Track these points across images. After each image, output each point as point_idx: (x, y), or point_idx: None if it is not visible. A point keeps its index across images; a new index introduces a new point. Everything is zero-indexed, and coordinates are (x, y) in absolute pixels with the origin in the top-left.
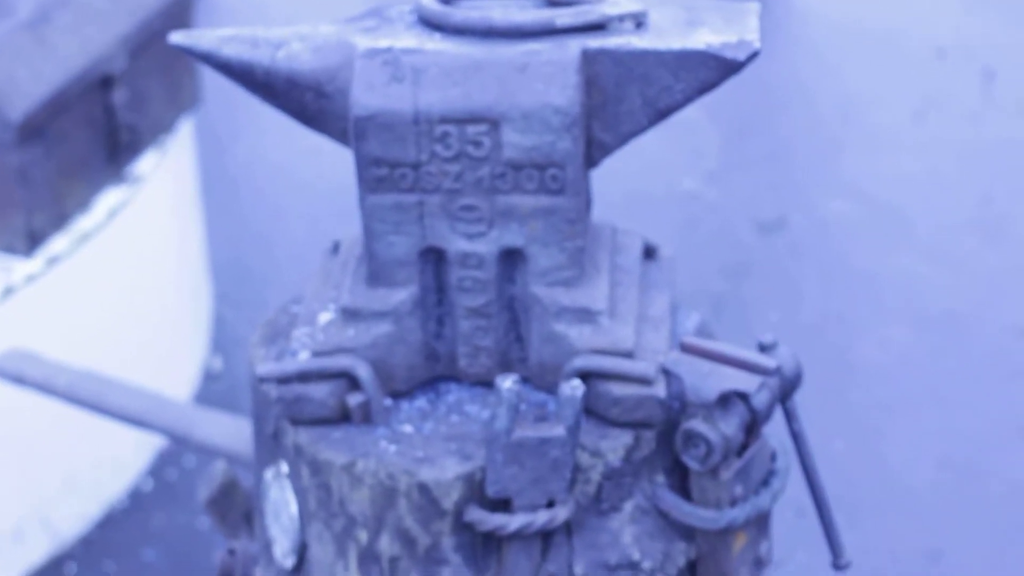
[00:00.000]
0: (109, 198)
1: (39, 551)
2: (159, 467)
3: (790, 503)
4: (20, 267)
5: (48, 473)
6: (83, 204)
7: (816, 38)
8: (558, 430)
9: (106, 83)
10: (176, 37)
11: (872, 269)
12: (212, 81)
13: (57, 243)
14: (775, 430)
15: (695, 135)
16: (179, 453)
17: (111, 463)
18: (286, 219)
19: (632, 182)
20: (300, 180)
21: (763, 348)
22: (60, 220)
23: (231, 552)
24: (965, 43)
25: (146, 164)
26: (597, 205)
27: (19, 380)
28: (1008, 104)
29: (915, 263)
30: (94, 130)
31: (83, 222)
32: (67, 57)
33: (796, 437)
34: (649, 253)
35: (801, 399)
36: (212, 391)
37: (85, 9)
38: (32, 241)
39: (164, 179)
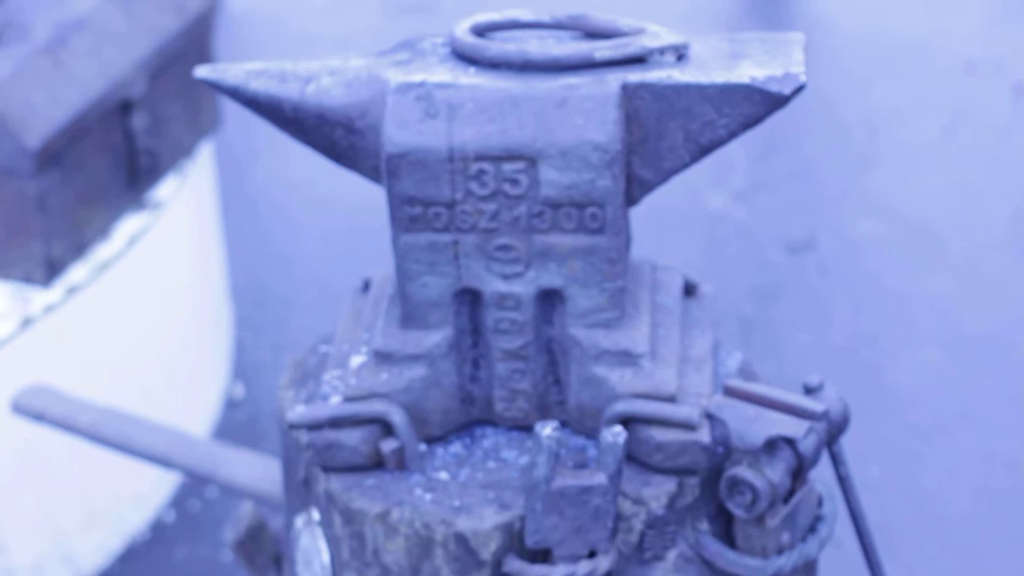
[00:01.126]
0: (129, 225)
1: None
2: (181, 498)
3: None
4: (38, 297)
5: (68, 506)
6: (102, 231)
7: (843, 52)
8: (599, 478)
9: (125, 108)
10: (202, 72)
11: (903, 289)
12: (231, 103)
13: (76, 272)
14: (820, 473)
15: (721, 153)
16: (201, 485)
17: (132, 495)
18: (306, 241)
19: (659, 202)
20: (320, 201)
21: (808, 391)
22: (79, 248)
23: None
24: (994, 57)
25: (166, 190)
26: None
27: (40, 418)
28: None
29: (947, 283)
30: (113, 156)
31: (102, 250)
32: (86, 82)
33: (843, 481)
34: (689, 290)
35: None
36: (233, 418)
37: (103, 32)
38: (51, 270)
39: (184, 204)
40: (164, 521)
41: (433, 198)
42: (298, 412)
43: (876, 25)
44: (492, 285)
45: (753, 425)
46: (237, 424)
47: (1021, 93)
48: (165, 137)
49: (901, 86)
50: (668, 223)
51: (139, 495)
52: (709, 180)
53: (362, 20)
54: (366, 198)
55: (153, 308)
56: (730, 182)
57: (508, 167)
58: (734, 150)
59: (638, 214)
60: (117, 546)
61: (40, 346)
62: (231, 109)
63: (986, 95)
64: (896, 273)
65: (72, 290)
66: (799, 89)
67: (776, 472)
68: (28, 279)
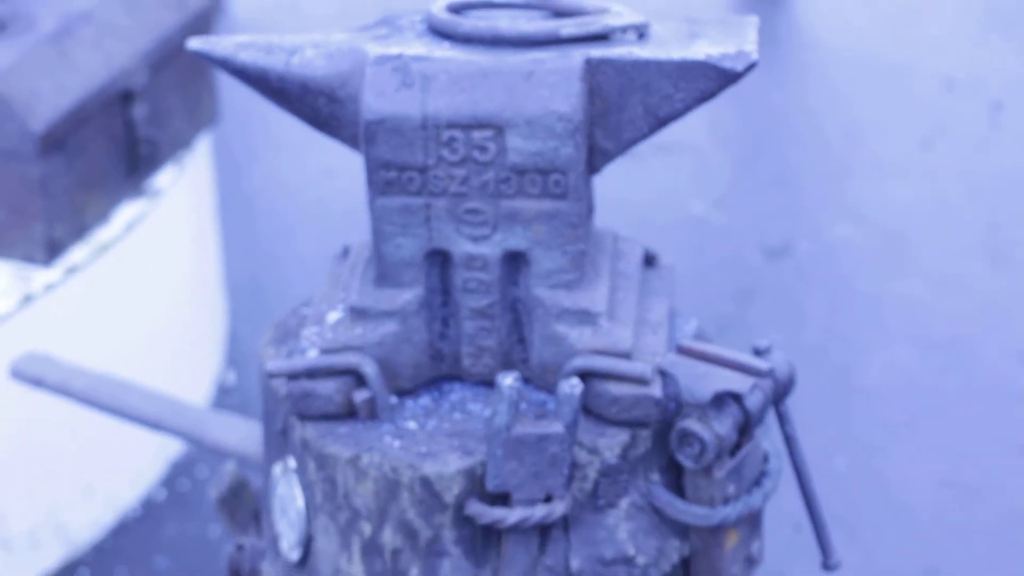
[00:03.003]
0: (128, 211)
1: (53, 557)
2: (172, 478)
3: (787, 518)
4: (39, 276)
5: (64, 481)
6: (102, 216)
7: (826, 69)
8: (556, 427)
9: (126, 98)
10: (194, 43)
11: (876, 293)
12: (228, 102)
13: (76, 254)
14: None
15: (704, 161)
16: (191, 464)
17: (126, 473)
18: (298, 239)
19: (641, 207)
20: (312, 201)
21: (757, 352)
22: (79, 231)
23: (239, 548)
24: (974, 75)
25: (164, 179)
26: (606, 228)
27: (37, 383)
28: (1015, 135)
29: (919, 288)
30: (114, 143)
31: (102, 233)
32: (89, 71)
33: (789, 440)
34: (649, 261)
35: (803, 418)
36: (225, 404)
37: (107, 25)
38: (51, 251)
39: (182, 194)
40: (155, 499)
41: (407, 163)
42: (277, 363)
43: (860, 45)
44: (461, 247)
45: (702, 381)
46: (229, 409)
47: (998, 109)
48: (164, 127)
49: (882, 101)
50: (651, 227)
51: (132, 473)
52: (691, 187)
53: (355, 20)
54: (357, 200)
55: (150, 292)
56: (712, 189)
57: (477, 135)
58: (717, 159)
59: (623, 219)
60: (109, 521)
61: (39, 323)
62: (228, 110)
63: (964, 111)
64: (869, 278)
65: (71, 270)
66: (751, 66)
67: (723, 426)
68: (29, 259)
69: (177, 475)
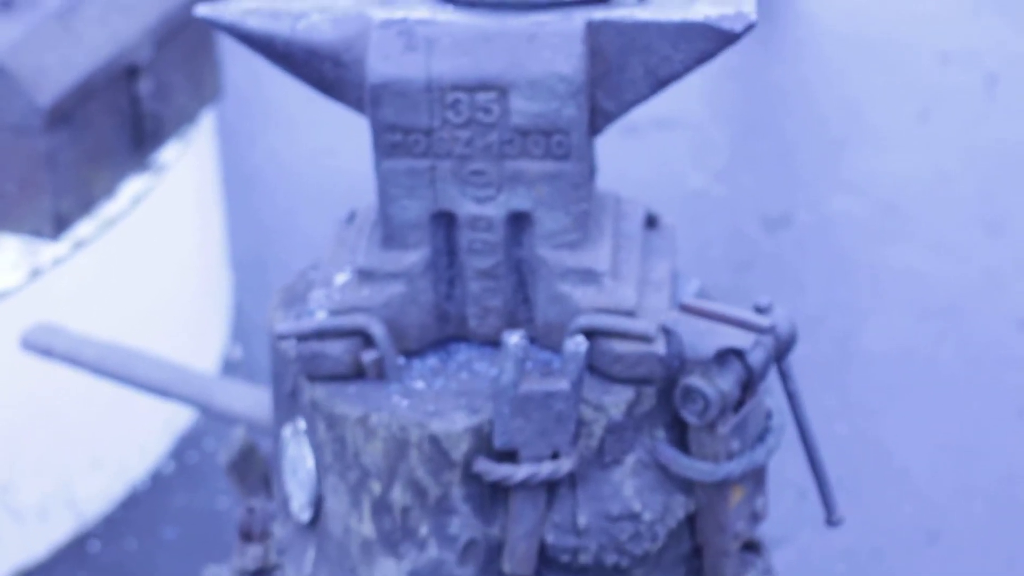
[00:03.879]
0: (133, 185)
1: (63, 528)
2: (181, 450)
3: (792, 485)
4: (47, 250)
5: (74, 453)
6: (108, 190)
7: (823, 44)
8: (562, 384)
9: (132, 73)
10: (202, 10)
11: (875, 264)
12: (232, 79)
13: (83, 228)
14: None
15: (704, 135)
16: (200, 437)
17: (135, 446)
18: (300, 216)
19: (641, 182)
20: (314, 179)
21: (759, 309)
22: (86, 205)
23: (250, 510)
24: (969, 49)
25: (169, 153)
26: (608, 190)
27: (47, 353)
28: (1010, 107)
29: (917, 258)
30: (119, 118)
31: (108, 208)
32: (94, 46)
33: (791, 397)
34: (651, 222)
35: (803, 385)
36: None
37: (112, 1)
38: (59, 225)
39: (187, 169)
40: (164, 471)
41: (412, 125)
42: (286, 324)
43: (856, 20)
44: (466, 208)
45: (705, 338)
46: None
47: (993, 82)
48: (169, 102)
49: (878, 76)
50: (651, 201)
51: (141, 445)
52: (691, 161)
53: None
54: (358, 178)
55: (156, 266)
56: (711, 162)
57: (481, 96)
58: (716, 132)
59: (622, 193)
60: (119, 492)
61: (47, 297)
62: (232, 86)
63: (959, 84)
64: (868, 249)
65: (79, 244)
66: (750, 27)
67: (726, 382)
68: (37, 233)
69: (185, 447)
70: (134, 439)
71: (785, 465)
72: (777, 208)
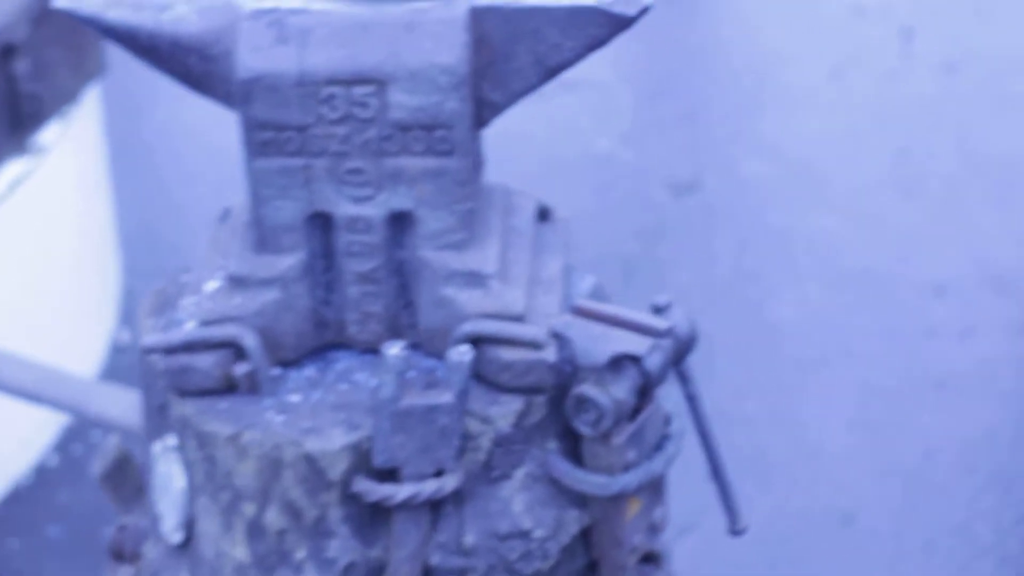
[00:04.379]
0: (11, 169)
1: None
2: (65, 443)
3: (700, 466)
4: None
5: None
6: None
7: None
8: (446, 397)
9: (7, 52)
10: (60, 2)
11: (787, 228)
12: (117, 53)
13: None
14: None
15: (609, 96)
16: (85, 428)
17: (16, 439)
18: (199, 186)
19: (545, 145)
20: (214, 147)
21: (657, 310)
22: None
23: (122, 528)
24: (884, 1)
25: (50, 135)
26: (509, 169)
27: None
28: (926, 62)
29: (830, 221)
30: None
31: None
32: None
33: (691, 400)
34: (543, 215)
35: (713, 360)
36: (120, 363)
37: None
38: None
39: (68, 150)
40: (48, 465)
41: (284, 122)
42: (152, 338)
43: None
44: (343, 208)
45: (598, 343)
46: (123, 368)
47: (909, 37)
48: (48, 82)
49: (790, 31)
50: (554, 165)
51: (23, 439)
52: (596, 123)
53: None
54: None
55: (37, 252)
56: (617, 125)
57: (358, 90)
58: (622, 93)
59: (526, 156)
60: (1, 489)
61: None
62: (120, 58)
63: (874, 39)
64: (780, 213)
65: None
66: (644, 11)
67: (621, 390)
68: None
69: (70, 440)
70: (15, 432)
71: (690, 448)
72: (685, 172)
